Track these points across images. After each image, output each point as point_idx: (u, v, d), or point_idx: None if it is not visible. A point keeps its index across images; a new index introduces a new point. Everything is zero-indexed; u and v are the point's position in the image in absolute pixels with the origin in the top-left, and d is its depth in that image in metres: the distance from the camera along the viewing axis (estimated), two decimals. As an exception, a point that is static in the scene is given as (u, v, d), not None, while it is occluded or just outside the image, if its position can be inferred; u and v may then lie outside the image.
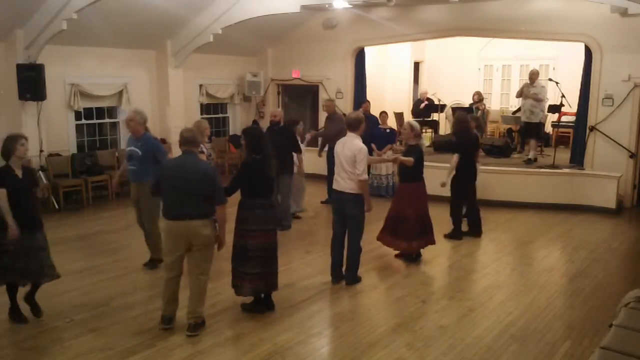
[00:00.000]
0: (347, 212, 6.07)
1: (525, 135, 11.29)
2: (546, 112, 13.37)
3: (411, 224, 6.81)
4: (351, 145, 5.95)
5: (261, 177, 5.31)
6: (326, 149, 9.87)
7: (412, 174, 6.84)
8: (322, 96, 13.15)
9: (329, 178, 9.85)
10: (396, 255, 7.16)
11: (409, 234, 6.84)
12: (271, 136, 8.36)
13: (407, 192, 6.94)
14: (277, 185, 8.16)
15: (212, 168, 5.42)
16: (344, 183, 6.02)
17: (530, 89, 10.71)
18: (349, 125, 6.11)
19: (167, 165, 5.29)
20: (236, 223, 5.29)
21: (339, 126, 9.83)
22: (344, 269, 6.28)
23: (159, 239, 5.93)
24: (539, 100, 10.74)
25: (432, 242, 7.12)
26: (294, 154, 8.53)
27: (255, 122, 13.79)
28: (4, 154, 5.06)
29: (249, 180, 5.31)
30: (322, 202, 10.17)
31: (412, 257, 7.08)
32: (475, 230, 8.21)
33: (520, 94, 11.04)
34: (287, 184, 8.36)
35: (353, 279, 6.25)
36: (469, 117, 8.63)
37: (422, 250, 7.11)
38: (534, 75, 10.84)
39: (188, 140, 4.98)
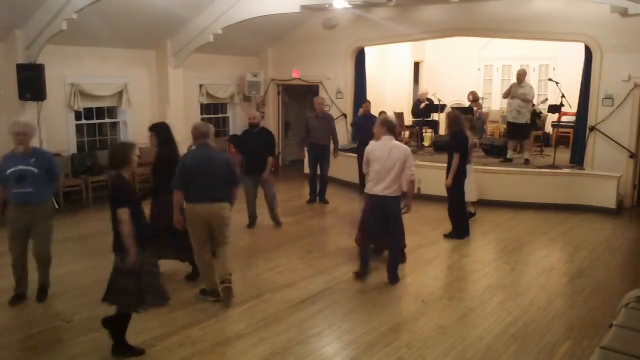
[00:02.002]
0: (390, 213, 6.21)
1: (511, 136, 11.20)
2: (546, 112, 13.41)
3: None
4: (399, 147, 6.11)
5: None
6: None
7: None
8: (322, 96, 13.16)
9: (312, 178, 10.32)
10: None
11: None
12: (249, 138, 8.52)
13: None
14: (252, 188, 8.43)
15: (227, 156, 5.91)
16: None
17: (519, 89, 10.70)
18: (391, 128, 6.17)
19: (193, 158, 5.56)
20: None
21: (331, 126, 10.09)
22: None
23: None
24: (527, 100, 10.73)
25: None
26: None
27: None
28: (117, 163, 4.50)
29: (171, 173, 5.63)
30: (307, 203, 10.24)
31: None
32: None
33: (507, 94, 11.01)
34: (270, 186, 8.56)
35: (396, 276, 6.38)
36: (463, 117, 8.64)
37: (422, 251, 7.12)
38: (521, 75, 10.83)
39: (203, 133, 5.56)
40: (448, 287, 6.33)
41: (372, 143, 6.32)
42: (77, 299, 5.72)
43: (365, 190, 6.37)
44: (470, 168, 8.40)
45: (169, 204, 5.65)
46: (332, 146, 10.19)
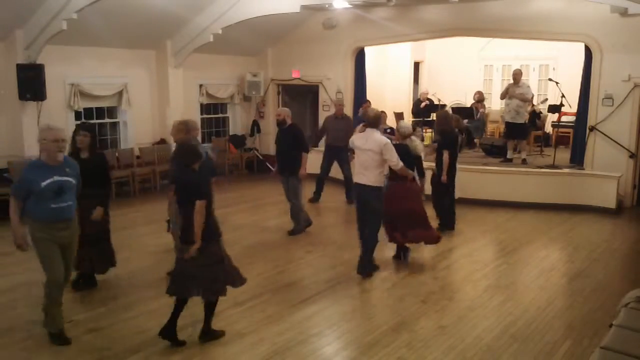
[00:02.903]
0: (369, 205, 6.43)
1: (509, 136, 11.20)
2: (546, 112, 13.42)
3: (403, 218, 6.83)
4: (376, 139, 6.32)
5: None
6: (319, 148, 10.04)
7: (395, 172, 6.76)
8: (322, 96, 13.17)
9: (321, 178, 10.24)
10: (394, 257, 7.13)
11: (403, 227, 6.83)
12: (277, 137, 8.26)
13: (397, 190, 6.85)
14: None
15: (207, 151, 5.98)
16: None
17: (516, 89, 10.70)
18: (371, 122, 6.47)
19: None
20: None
21: (349, 128, 9.76)
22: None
23: None
24: (525, 100, 10.73)
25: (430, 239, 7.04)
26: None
27: (255, 122, 13.82)
28: (190, 160, 4.72)
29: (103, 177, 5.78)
30: (310, 201, 10.13)
31: (400, 257, 7.07)
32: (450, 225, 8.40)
33: (505, 95, 11.01)
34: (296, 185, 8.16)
35: (370, 268, 6.54)
36: (451, 115, 8.85)
37: (424, 250, 7.13)
38: (517, 76, 10.84)
39: (194, 127, 6.26)
40: (448, 287, 6.33)
41: (354, 135, 6.70)
42: (77, 299, 5.72)
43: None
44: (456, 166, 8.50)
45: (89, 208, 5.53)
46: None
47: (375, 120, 6.50)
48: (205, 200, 4.58)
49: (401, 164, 6.34)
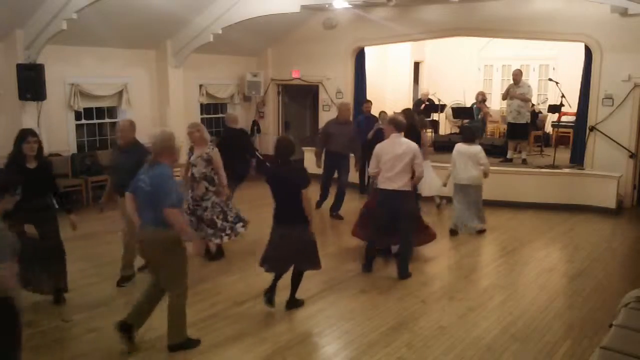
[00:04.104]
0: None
1: (512, 136, 11.22)
2: (546, 112, 13.42)
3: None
4: (406, 144, 6.41)
5: None
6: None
7: None
8: (322, 96, 13.17)
9: (325, 182, 9.45)
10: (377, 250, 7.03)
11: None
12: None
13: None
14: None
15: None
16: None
17: (517, 89, 10.71)
18: (398, 126, 6.46)
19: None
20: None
21: (353, 134, 9.21)
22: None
23: None
24: (526, 100, 10.74)
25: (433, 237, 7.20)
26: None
27: (255, 122, 13.81)
28: (290, 154, 5.34)
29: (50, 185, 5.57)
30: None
31: (386, 252, 7.10)
32: None
33: (506, 96, 11.02)
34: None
35: (406, 273, 6.52)
36: (415, 115, 8.93)
37: (424, 250, 7.12)
38: (517, 76, 10.85)
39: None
40: (448, 287, 6.33)
41: (382, 143, 6.57)
42: (77, 299, 5.72)
43: (376, 187, 6.58)
44: (427, 164, 8.42)
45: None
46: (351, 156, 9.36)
47: (403, 125, 6.51)
48: (309, 187, 5.27)
49: (422, 167, 6.47)
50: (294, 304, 5.60)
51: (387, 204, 6.40)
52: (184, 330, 4.70)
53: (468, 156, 8.03)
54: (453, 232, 8.26)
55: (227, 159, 7.00)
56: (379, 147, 6.49)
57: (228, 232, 6.82)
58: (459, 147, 8.19)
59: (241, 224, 6.94)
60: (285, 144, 5.40)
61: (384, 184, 6.38)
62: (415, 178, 6.41)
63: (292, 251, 5.35)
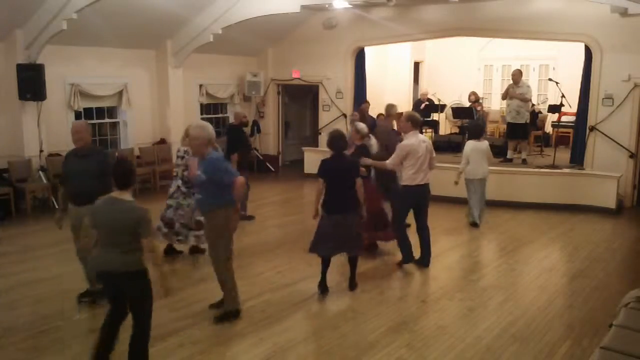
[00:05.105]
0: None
1: (511, 136, 11.23)
2: (546, 112, 13.42)
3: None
4: (427, 140, 6.89)
5: None
6: None
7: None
8: (322, 96, 13.17)
9: None
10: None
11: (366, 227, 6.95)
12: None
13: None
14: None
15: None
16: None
17: (516, 89, 10.71)
18: (415, 123, 6.76)
19: None
20: None
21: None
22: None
23: None
24: (526, 100, 10.75)
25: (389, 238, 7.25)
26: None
27: (255, 122, 13.82)
28: (343, 147, 5.83)
29: None
30: None
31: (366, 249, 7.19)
32: None
33: (505, 96, 11.02)
34: None
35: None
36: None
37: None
38: (516, 76, 10.86)
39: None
40: (448, 287, 6.32)
41: (406, 139, 6.75)
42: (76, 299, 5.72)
43: (405, 183, 6.68)
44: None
45: None
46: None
47: (420, 122, 6.92)
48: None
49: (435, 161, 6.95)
50: (355, 284, 6.11)
51: (420, 197, 6.77)
52: (238, 298, 5.32)
53: (481, 152, 8.51)
54: (474, 225, 8.66)
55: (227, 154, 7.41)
56: (408, 145, 6.60)
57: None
58: (472, 144, 8.56)
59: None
60: (339, 137, 5.84)
61: (420, 179, 6.63)
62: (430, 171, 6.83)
63: (345, 237, 5.80)
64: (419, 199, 6.78)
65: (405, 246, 6.83)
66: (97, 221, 4.02)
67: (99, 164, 5.24)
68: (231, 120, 9.22)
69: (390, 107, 9.02)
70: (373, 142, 7.70)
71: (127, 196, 4.03)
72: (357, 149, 6.89)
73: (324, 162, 5.89)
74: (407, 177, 6.63)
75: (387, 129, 8.54)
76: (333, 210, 5.78)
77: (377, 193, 7.24)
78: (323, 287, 5.96)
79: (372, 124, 9.90)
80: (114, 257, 3.94)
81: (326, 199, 5.80)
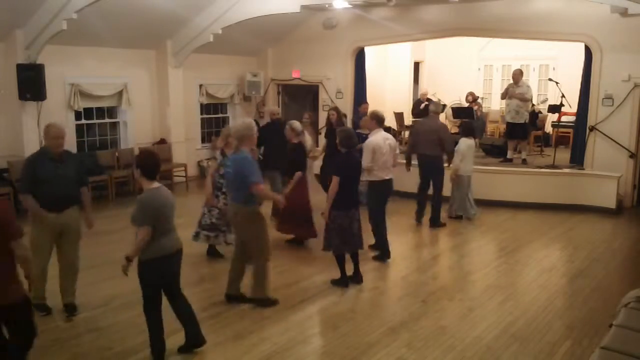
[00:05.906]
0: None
1: (510, 136, 11.23)
2: (546, 112, 13.41)
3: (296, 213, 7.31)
4: (391, 138, 7.13)
5: None
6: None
7: (292, 168, 7.30)
8: (322, 96, 13.16)
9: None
10: (287, 241, 7.60)
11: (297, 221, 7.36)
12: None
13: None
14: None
15: None
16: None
17: (516, 89, 10.71)
18: (379, 121, 6.99)
19: None
20: None
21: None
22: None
23: None
24: (525, 100, 10.75)
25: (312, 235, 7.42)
26: None
27: (255, 121, 13.78)
28: (354, 144, 6.08)
29: None
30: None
31: (300, 242, 7.54)
32: None
33: (505, 95, 11.02)
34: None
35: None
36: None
37: (422, 250, 7.13)
38: (516, 76, 10.86)
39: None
40: (448, 287, 6.33)
41: (371, 137, 6.94)
42: (77, 299, 5.69)
43: (372, 179, 6.86)
44: None
45: None
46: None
47: (383, 119, 7.10)
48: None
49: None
50: (360, 278, 6.26)
51: (386, 191, 7.02)
52: (265, 289, 5.60)
53: (472, 149, 9.04)
54: (459, 217, 8.97)
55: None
56: (374, 143, 6.80)
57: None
58: (467, 141, 8.84)
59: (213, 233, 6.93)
60: (350, 134, 6.16)
61: (385, 174, 6.86)
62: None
63: (359, 231, 6.09)
64: (387, 193, 7.05)
65: (383, 242, 7.03)
66: (161, 211, 4.33)
67: (76, 169, 5.28)
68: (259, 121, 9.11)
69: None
70: (307, 139, 8.10)
71: (157, 184, 4.42)
72: (293, 146, 7.26)
73: (339, 161, 6.09)
74: (373, 173, 6.83)
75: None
76: (348, 205, 5.97)
77: (306, 189, 7.49)
78: (346, 282, 6.14)
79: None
80: (178, 238, 4.53)
81: (340, 195, 5.90)
